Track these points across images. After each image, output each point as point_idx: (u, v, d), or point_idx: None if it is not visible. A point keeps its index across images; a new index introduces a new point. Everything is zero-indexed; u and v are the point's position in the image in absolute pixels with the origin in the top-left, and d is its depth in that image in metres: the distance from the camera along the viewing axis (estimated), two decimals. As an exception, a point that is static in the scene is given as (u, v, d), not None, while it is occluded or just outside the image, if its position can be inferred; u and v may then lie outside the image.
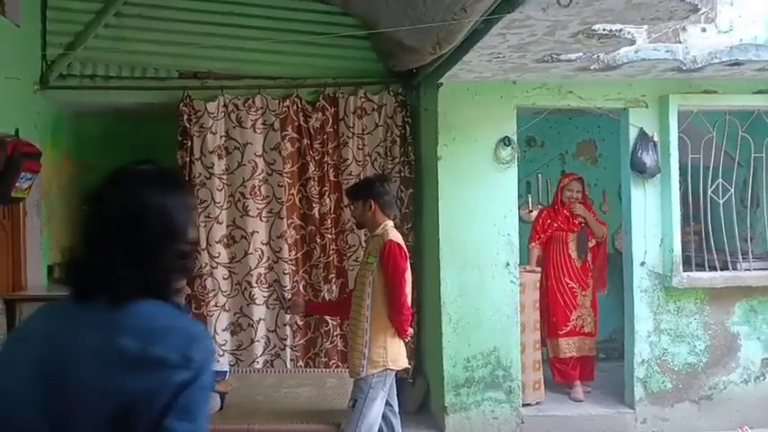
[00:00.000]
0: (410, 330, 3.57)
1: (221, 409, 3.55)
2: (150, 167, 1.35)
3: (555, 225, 5.12)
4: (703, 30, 4.56)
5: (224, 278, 4.95)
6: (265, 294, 4.97)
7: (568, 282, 5.07)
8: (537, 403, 4.89)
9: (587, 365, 5.14)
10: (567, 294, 5.07)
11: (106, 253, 1.25)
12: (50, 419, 1.21)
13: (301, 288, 5.00)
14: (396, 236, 3.41)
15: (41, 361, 1.23)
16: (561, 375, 5.10)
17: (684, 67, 4.33)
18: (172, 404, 1.19)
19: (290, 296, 4.44)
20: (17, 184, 4.25)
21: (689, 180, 4.88)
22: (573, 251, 5.10)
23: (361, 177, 4.88)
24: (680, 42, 4.44)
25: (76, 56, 4.82)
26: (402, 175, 5.05)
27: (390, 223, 3.43)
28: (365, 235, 4.89)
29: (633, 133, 4.77)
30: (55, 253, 5.12)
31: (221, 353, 4.89)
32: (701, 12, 3.40)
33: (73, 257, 1.31)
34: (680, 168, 4.78)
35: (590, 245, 5.14)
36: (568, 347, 5.06)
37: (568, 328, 5.05)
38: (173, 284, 1.30)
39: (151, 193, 1.30)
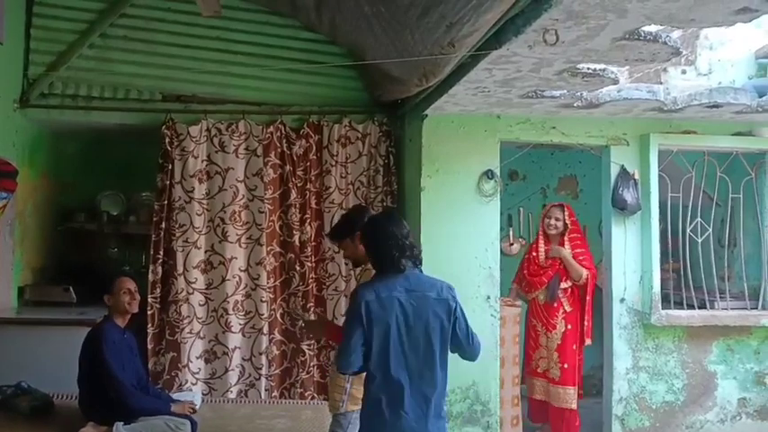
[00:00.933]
0: None
1: (193, 435, 3.47)
2: (384, 212, 3.96)
3: (524, 272, 5.00)
4: (683, 72, 4.68)
5: (200, 304, 4.86)
6: (242, 322, 4.88)
7: (531, 319, 4.94)
8: (514, 439, 4.84)
9: (559, 417, 4.73)
10: (530, 333, 4.94)
11: (393, 251, 2.69)
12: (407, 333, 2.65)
13: (278, 316, 4.92)
14: None
15: (402, 304, 2.65)
16: (529, 415, 4.98)
17: (665, 108, 4.39)
18: (454, 316, 2.69)
19: (303, 313, 4.30)
20: (-9, 203, 4.16)
21: (668, 218, 4.92)
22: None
23: (343, 209, 4.84)
24: (661, 83, 4.54)
25: (59, 75, 4.77)
26: (384, 204, 5.03)
27: None
28: (346, 265, 4.86)
29: (614, 170, 4.82)
30: (26, 274, 5.00)
31: (194, 381, 4.78)
32: (682, 54, 3.46)
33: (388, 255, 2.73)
34: (659, 206, 4.83)
35: (564, 286, 4.78)
36: (533, 388, 4.89)
37: (531, 368, 4.92)
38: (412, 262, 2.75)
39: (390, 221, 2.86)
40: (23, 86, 4.76)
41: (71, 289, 4.86)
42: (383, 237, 2.74)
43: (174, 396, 4.01)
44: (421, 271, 2.80)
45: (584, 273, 4.73)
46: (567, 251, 4.80)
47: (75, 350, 4.11)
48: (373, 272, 3.23)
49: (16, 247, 4.77)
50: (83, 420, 3.48)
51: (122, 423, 3.40)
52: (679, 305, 4.88)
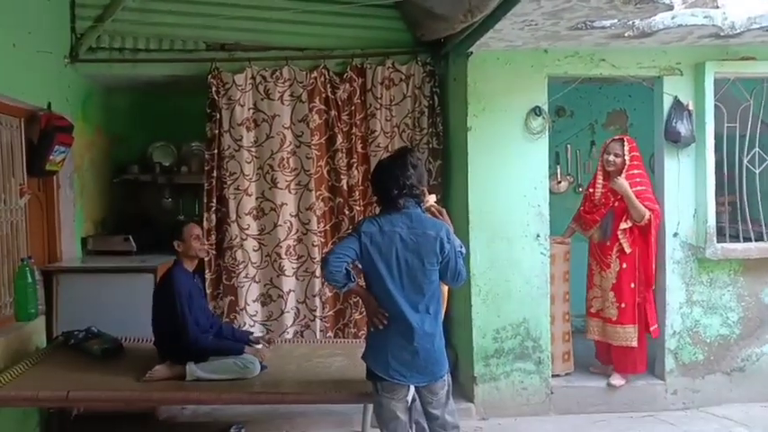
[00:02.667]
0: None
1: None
2: (390, 156, 3.33)
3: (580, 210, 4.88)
4: (743, -7, 4.43)
5: (254, 250, 4.99)
6: (294, 266, 5.00)
7: (589, 258, 4.85)
8: (566, 374, 4.88)
9: (622, 356, 4.65)
10: (588, 272, 4.86)
11: (393, 191, 3.04)
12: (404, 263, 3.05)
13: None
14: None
15: (403, 239, 3.03)
16: (597, 356, 4.95)
17: (722, 33, 4.20)
18: (446, 255, 3.05)
19: None
20: (51, 157, 4.32)
21: (724, 149, 4.76)
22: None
23: (389, 152, 4.84)
24: (717, 7, 4.31)
25: (105, 28, 4.83)
26: (430, 146, 5.02)
27: (432, 198, 3.38)
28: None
29: (667, 102, 4.66)
30: (88, 225, 5.20)
31: (252, 323, 4.96)
32: (743, -26, 3.29)
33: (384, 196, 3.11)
34: (715, 137, 4.67)
35: (624, 226, 4.54)
36: (589, 329, 4.84)
37: (587, 308, 4.87)
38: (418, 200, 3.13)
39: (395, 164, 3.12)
40: (72, 41, 4.83)
41: (131, 238, 5.04)
42: (385, 178, 3.08)
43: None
44: (423, 211, 3.14)
45: (647, 213, 4.45)
46: (625, 184, 4.47)
47: (139, 296, 4.33)
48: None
49: (77, 200, 4.95)
50: (155, 360, 3.66)
51: (194, 362, 3.57)
52: (735, 238, 4.78)
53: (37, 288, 4.09)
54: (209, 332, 3.77)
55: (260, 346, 3.98)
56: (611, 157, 4.62)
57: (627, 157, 4.58)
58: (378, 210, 3.27)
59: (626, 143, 4.63)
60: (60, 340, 4.17)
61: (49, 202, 4.67)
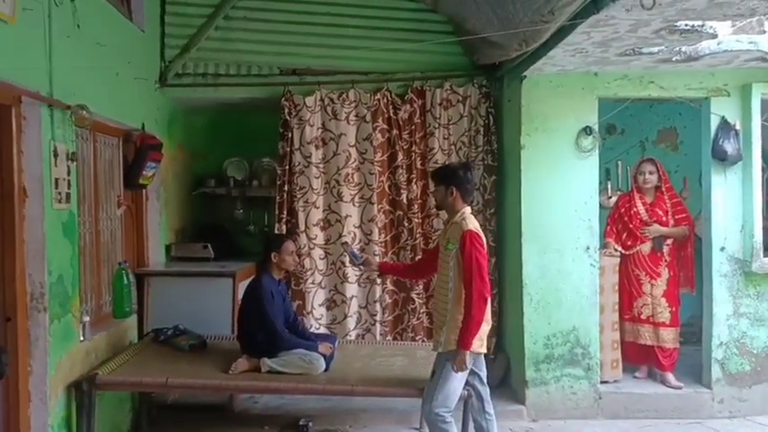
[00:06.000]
0: (484, 326, 3.53)
1: (326, 370, 3.99)
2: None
3: (630, 227, 5.19)
4: (788, 19, 4.61)
5: (320, 258, 5.41)
6: (357, 273, 5.39)
7: (634, 269, 5.15)
8: (614, 381, 5.11)
9: (668, 356, 5.10)
10: (633, 282, 5.16)
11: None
12: None
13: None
14: (474, 225, 3.56)
15: None
16: (625, 358, 5.19)
17: (768, 57, 4.40)
18: None
19: (361, 254, 4.39)
20: (144, 172, 4.83)
21: (771, 167, 4.95)
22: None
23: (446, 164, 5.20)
24: (764, 32, 4.50)
25: (190, 56, 5.36)
26: (485, 163, 5.34)
27: (468, 210, 3.61)
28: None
29: (715, 122, 4.87)
30: (170, 234, 5.71)
31: (318, 326, 5.36)
32: (783, 7, 3.50)
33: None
34: (762, 155, 4.85)
35: (668, 241, 5.11)
36: (636, 334, 5.14)
37: (631, 314, 5.16)
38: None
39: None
40: (161, 68, 5.37)
41: (209, 246, 5.52)
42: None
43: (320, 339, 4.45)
44: None
45: (686, 230, 5.10)
46: (661, 229, 5.10)
47: (220, 298, 4.81)
48: (464, 228, 3.52)
49: (162, 211, 5.47)
50: (236, 355, 4.09)
51: (267, 358, 3.99)
52: (782, 254, 4.94)
53: (132, 289, 4.57)
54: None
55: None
56: (647, 175, 5.13)
57: (660, 172, 5.14)
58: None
59: (656, 161, 5.18)
60: (151, 336, 4.66)
61: (139, 212, 5.20)
